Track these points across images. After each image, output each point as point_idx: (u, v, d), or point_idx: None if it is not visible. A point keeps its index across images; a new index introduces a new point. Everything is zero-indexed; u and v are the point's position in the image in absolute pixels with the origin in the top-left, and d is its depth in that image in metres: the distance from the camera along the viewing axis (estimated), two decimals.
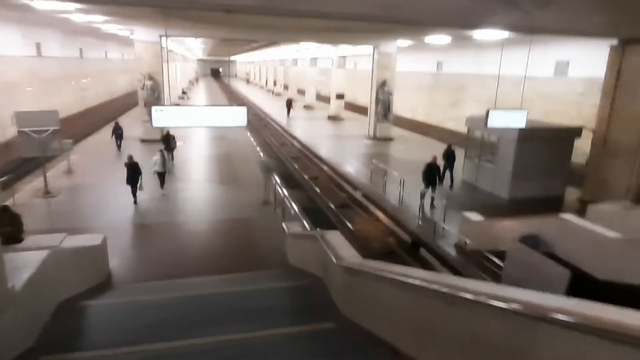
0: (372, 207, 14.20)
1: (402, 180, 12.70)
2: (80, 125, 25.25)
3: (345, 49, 30.66)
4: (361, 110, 34.41)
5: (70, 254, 6.37)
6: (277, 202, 11.73)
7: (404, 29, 18.79)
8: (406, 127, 28.16)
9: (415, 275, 3.86)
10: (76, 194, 12.74)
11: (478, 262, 8.93)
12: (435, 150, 18.34)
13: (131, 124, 22.56)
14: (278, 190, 11.49)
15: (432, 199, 12.37)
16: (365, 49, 26.81)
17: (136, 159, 12.06)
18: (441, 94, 25.96)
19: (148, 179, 12.43)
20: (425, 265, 10.58)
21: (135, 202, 11.86)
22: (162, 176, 12.90)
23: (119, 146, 19.10)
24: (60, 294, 5.70)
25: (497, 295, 2.80)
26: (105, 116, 30.09)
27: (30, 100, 20.65)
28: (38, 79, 22.54)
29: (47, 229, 9.42)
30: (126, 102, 37.10)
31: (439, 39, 20.48)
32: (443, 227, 10.47)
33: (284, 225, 8.44)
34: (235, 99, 52.30)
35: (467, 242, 9.36)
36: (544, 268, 6.69)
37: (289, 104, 31.98)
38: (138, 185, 11.70)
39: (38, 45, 22.99)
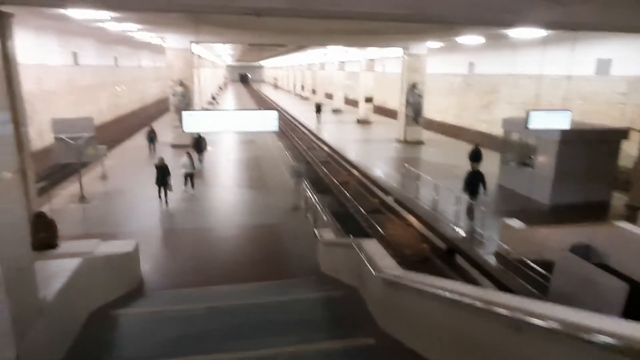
0: (404, 213, 13.79)
1: (436, 185, 12.25)
2: (115, 132, 25.88)
3: (373, 51, 30.32)
4: (390, 113, 33.93)
5: (103, 261, 6.32)
6: (308, 208, 11.52)
7: (434, 29, 18.33)
8: (436, 130, 27.53)
9: (468, 293, 3.51)
10: (110, 199, 12.92)
11: (520, 271, 8.41)
12: (465, 151, 17.80)
13: (162, 129, 22.90)
14: (309, 196, 11.28)
15: (472, 208, 11.26)
16: (394, 52, 26.40)
17: (167, 162, 12.40)
18: (472, 96, 25.23)
19: (176, 182, 12.83)
20: (462, 274, 10.11)
21: (165, 202, 12.28)
22: (191, 177, 13.31)
23: (153, 150, 19.54)
24: (92, 302, 5.64)
25: (583, 325, 2.40)
26: (137, 123, 30.78)
27: (67, 108, 21.32)
28: (74, 87, 23.26)
29: (81, 235, 9.54)
30: (158, 109, 37.94)
31: (472, 39, 19.89)
32: (481, 234, 9.96)
33: (316, 231, 8.19)
34: (263, 103, 52.75)
35: (509, 250, 8.84)
36: (598, 281, 6.16)
37: (319, 108, 31.77)
38: (167, 186, 12.17)
39: (75, 55, 23.73)
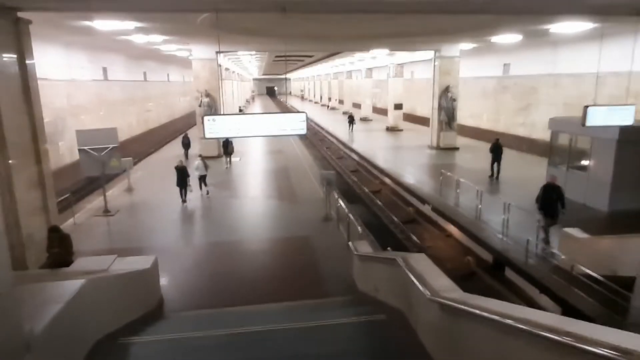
0: (443, 222, 12.76)
1: (479, 192, 11.20)
2: (144, 145, 25.95)
3: (402, 56, 29.40)
4: (420, 120, 32.85)
5: (115, 280, 5.71)
6: (340, 218, 10.69)
7: (468, 29, 17.33)
8: (469, 136, 26.20)
9: (558, 327, 2.60)
10: (134, 212, 12.51)
11: (588, 288, 7.28)
12: (505, 156, 16.68)
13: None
14: (340, 205, 10.45)
15: (548, 231, 9.08)
16: (425, 55, 25.43)
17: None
18: (508, 99, 23.91)
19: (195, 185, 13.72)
20: (515, 290, 9.01)
21: (184, 201, 12.99)
22: (203, 179, 13.96)
23: (186, 155, 20.15)
24: (100, 329, 4.98)
25: None
26: (166, 136, 30.92)
27: (97, 122, 21.37)
28: (104, 101, 23.43)
29: (101, 249, 9.04)
30: (187, 123, 38.13)
31: (508, 38, 18.71)
32: (536, 245, 8.83)
33: (351, 245, 7.35)
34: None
35: (572, 263, 7.71)
36: None
37: (351, 119, 30.41)
38: (188, 186, 12.98)
39: (104, 70, 23.98)
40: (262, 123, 7.98)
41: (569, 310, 7.05)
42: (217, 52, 20.27)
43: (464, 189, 12.50)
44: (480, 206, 11.23)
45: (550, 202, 9.06)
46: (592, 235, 8.00)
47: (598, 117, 9.44)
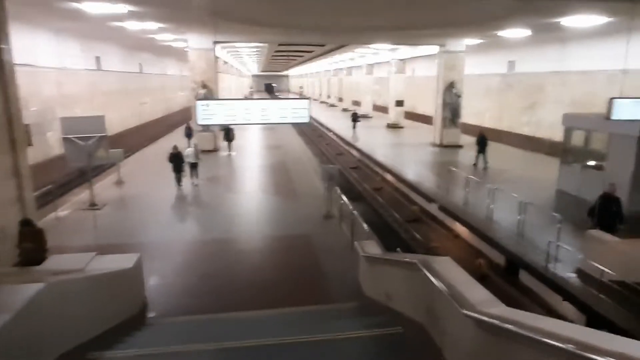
0: (450, 222, 12.06)
1: (491, 190, 10.49)
2: (138, 139, 25.15)
3: (404, 52, 28.64)
4: (421, 118, 32.21)
5: (92, 281, 4.99)
6: (342, 216, 9.97)
7: (475, 22, 16.64)
8: (472, 134, 25.48)
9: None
10: (123, 206, 11.76)
11: (620, 295, 6.58)
12: (511, 155, 16.02)
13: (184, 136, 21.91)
14: (344, 202, 9.71)
15: None
16: (427, 50, 24.72)
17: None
18: (513, 97, 23.24)
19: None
20: (531, 296, 8.31)
21: (179, 185, 13.13)
22: (194, 167, 13.75)
23: (189, 145, 19.38)
24: (66, 341, 4.23)
25: None
26: (162, 130, 30.11)
27: (89, 113, 20.55)
28: (97, 92, 22.58)
29: (81, 246, 8.28)
30: (184, 117, 37.31)
31: (516, 32, 18.00)
32: (557, 246, 8.11)
33: (356, 245, 6.63)
34: None
35: (601, 269, 7.00)
36: None
37: (355, 117, 29.08)
38: (183, 172, 13.13)
39: (97, 59, 23.12)
40: (261, 109, 7.25)
41: (595, 319, 6.36)
42: (214, 42, 19.47)
43: (474, 186, 11.82)
44: (492, 206, 10.53)
45: (609, 214, 7.97)
46: (623, 238, 7.31)
47: (625, 110, 8.74)
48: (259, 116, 7.25)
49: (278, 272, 7.70)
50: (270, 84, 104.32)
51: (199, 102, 7.10)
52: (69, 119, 11.09)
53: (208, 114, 7.14)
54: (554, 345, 2.52)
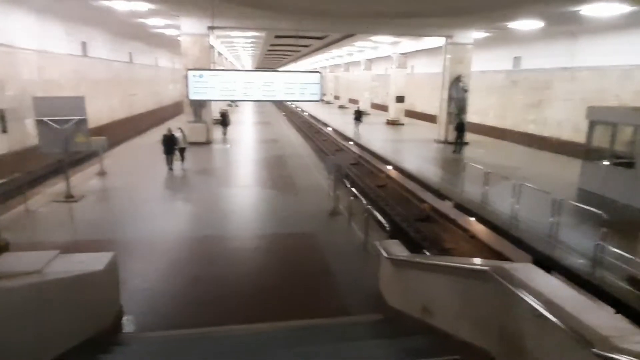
0: (464, 220, 11.01)
1: (516, 186, 9.44)
2: (125, 130, 23.85)
3: (405, 45, 27.56)
4: (420, 117, 31.31)
5: (51, 286, 3.86)
6: (352, 213, 8.84)
7: (485, 11, 15.61)
8: (474, 133, 24.58)
9: None
10: (104, 198, 10.55)
11: None
12: (520, 153, 15.14)
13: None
14: (357, 197, 8.58)
15: None
16: (430, 43, 23.66)
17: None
18: (518, 94, 22.36)
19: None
20: None
21: (170, 169, 13.22)
22: (182, 151, 13.82)
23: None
24: None
25: None
26: (152, 123, 28.82)
27: None
28: (83, 79, 21.20)
29: (47, 242, 7.11)
30: (175, 112, 36.01)
31: (526, 24, 17.03)
32: (602, 249, 7.06)
33: (378, 245, 5.50)
34: (284, 108, 50.60)
35: None
36: None
37: (359, 115, 26.00)
38: (174, 154, 13.25)
39: (84, 45, 21.76)
40: (264, 83, 6.11)
41: None
42: (209, 28, 18.26)
43: (482, 184, 10.78)
44: (517, 207, 9.46)
45: None
46: None
47: None
48: (262, 92, 6.13)
49: (280, 276, 6.55)
50: None
51: (191, 72, 5.94)
52: (44, 99, 9.85)
53: (201, 87, 5.99)
54: None
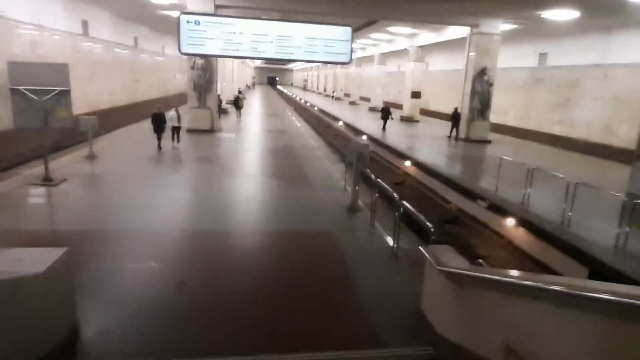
0: (497, 224, 9.56)
1: (570, 186, 7.99)
2: (126, 116, 22.57)
3: (423, 37, 26.01)
4: (434, 115, 29.91)
5: None
6: (374, 210, 7.41)
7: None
8: (493, 132, 23.03)
9: None
10: (88, 183, 9.22)
11: None
12: (540, 153, 13.67)
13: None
14: (386, 190, 7.14)
15: None
16: (453, 33, 22.10)
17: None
18: (543, 93, 20.86)
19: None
20: None
21: (159, 148, 12.80)
22: (177, 130, 13.40)
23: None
24: None
25: None
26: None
27: (72, 82, 17.96)
28: (82, 60, 19.94)
29: (4, 230, 5.74)
30: (182, 101, 34.76)
31: (561, 14, 15.49)
32: None
33: (425, 252, 4.07)
34: (292, 102, 49.20)
35: None
36: None
37: (386, 113, 22.51)
38: (163, 132, 12.89)
39: (85, 23, 20.50)
40: (277, 37, 4.70)
41: None
42: (216, 6, 16.88)
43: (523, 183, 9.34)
44: (571, 214, 8.00)
45: None
46: None
47: None
48: (275, 48, 4.74)
49: (289, 285, 5.14)
50: (273, 77, 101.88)
51: (185, 17, 4.56)
52: (20, 65, 8.54)
53: (198, 37, 4.60)
54: None
